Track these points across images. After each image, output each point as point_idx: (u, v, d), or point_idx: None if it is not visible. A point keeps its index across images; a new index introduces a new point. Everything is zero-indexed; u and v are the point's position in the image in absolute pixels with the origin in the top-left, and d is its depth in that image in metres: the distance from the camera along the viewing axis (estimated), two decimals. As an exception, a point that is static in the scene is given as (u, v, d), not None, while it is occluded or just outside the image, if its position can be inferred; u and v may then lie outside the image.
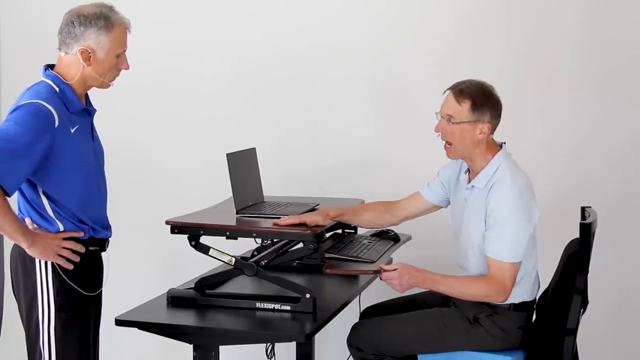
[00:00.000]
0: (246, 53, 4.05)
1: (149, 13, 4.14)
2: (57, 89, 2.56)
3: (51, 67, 2.63)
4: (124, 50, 2.65)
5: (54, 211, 2.56)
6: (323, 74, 3.97)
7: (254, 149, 3.22)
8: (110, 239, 2.78)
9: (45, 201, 2.55)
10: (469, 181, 2.90)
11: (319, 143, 3.99)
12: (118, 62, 2.64)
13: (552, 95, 3.77)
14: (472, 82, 2.84)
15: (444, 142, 2.88)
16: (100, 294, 2.76)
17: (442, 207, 3.14)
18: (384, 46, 3.90)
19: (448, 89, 2.86)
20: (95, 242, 2.68)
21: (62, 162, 2.52)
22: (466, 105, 2.79)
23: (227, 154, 2.96)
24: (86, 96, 2.71)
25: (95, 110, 2.74)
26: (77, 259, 2.59)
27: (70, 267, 2.57)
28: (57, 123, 2.48)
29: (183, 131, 4.15)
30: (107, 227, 2.77)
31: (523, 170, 2.86)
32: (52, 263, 2.56)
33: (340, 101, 3.97)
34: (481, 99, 2.80)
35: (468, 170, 2.94)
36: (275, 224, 2.78)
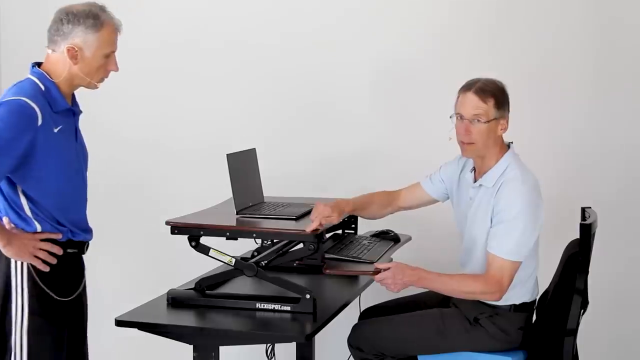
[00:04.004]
0: (246, 54, 4.05)
1: (149, 14, 4.14)
2: (42, 87, 2.51)
3: (39, 64, 2.58)
4: (113, 51, 2.60)
5: (32, 211, 2.51)
6: (324, 74, 3.97)
7: (254, 149, 3.22)
8: (90, 241, 2.70)
9: (23, 201, 2.50)
10: (475, 180, 2.90)
11: (320, 143, 3.99)
12: (106, 62, 2.58)
13: (552, 96, 3.77)
14: (486, 79, 2.84)
15: (460, 142, 2.85)
16: (80, 299, 2.69)
17: (438, 201, 3.15)
18: (385, 47, 3.90)
19: (464, 89, 2.84)
20: (73, 245, 2.62)
21: (43, 162, 2.47)
22: (491, 102, 2.79)
23: (227, 155, 2.96)
24: (73, 97, 2.65)
25: (80, 112, 2.68)
26: (53, 260, 2.53)
27: (47, 269, 2.52)
28: (39, 121, 2.44)
29: (183, 131, 4.15)
30: (87, 231, 2.70)
31: (531, 170, 2.86)
32: (28, 265, 2.51)
33: (341, 102, 3.96)
34: (501, 95, 2.82)
35: (473, 169, 2.94)
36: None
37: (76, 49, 2.52)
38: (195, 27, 4.11)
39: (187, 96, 4.14)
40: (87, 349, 2.79)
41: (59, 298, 2.57)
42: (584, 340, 2.93)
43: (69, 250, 2.60)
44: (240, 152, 3.10)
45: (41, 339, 2.53)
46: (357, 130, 3.95)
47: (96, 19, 2.53)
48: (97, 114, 4.14)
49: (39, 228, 2.53)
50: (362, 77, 3.94)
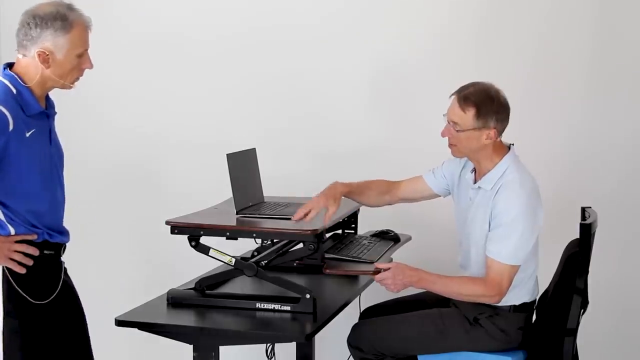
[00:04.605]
0: (246, 53, 4.05)
1: (150, 14, 4.14)
2: (14, 91, 2.44)
3: (11, 65, 2.51)
4: (86, 50, 2.51)
5: (5, 215, 2.46)
6: (323, 74, 3.96)
7: (254, 149, 3.22)
8: (67, 244, 2.65)
9: None
10: (475, 181, 2.90)
11: (320, 144, 3.99)
12: (80, 62, 2.50)
13: (552, 96, 3.77)
14: (477, 87, 2.80)
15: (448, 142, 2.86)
16: (60, 301, 2.61)
17: (439, 196, 3.14)
18: (385, 47, 3.90)
19: (455, 91, 2.83)
20: (50, 247, 2.56)
21: (15, 167, 2.42)
22: (470, 112, 2.76)
23: (227, 154, 2.96)
24: (47, 98, 2.58)
25: (55, 113, 2.61)
26: (29, 262, 2.48)
27: (23, 270, 2.47)
28: (11, 127, 2.38)
29: (183, 131, 4.15)
30: (64, 233, 2.64)
31: (530, 173, 2.85)
32: (3, 267, 2.46)
33: (341, 102, 3.96)
34: (486, 106, 2.76)
35: (474, 170, 2.93)
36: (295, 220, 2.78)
37: (47, 53, 2.45)
38: (195, 26, 4.11)
39: (187, 96, 4.14)
40: (91, 351, 2.75)
41: (34, 301, 2.51)
42: (584, 340, 2.93)
43: (45, 252, 2.54)
44: (240, 152, 3.10)
45: (14, 342, 2.49)
46: (357, 130, 3.95)
47: (64, 20, 2.45)
48: (99, 114, 4.16)
49: (12, 232, 2.48)
50: (361, 77, 3.93)
